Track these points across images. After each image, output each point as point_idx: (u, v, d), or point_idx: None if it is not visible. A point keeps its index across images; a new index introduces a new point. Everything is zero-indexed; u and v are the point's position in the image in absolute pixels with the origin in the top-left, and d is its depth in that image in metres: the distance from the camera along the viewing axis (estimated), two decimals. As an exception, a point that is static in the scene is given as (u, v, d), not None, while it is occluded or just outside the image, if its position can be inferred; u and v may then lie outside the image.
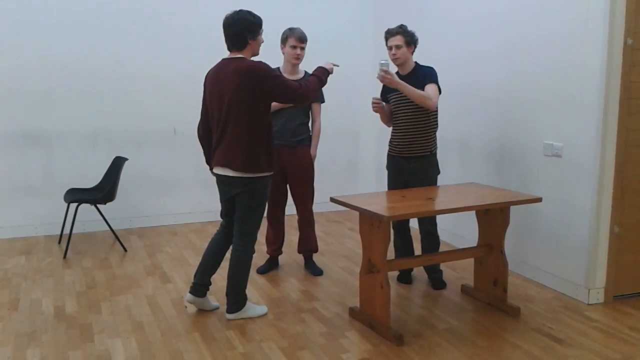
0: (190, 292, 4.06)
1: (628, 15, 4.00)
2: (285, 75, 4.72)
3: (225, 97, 3.70)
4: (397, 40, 4.34)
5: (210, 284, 4.09)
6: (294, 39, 4.60)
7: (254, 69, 3.66)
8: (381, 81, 4.14)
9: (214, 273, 4.08)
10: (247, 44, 3.74)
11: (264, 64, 3.71)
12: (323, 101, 4.89)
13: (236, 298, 3.96)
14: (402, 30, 4.36)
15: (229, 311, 3.97)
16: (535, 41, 4.58)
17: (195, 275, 4.07)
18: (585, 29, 4.13)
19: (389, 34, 4.39)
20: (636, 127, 4.18)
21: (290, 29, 4.65)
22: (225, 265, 4.02)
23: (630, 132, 4.16)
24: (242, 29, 3.71)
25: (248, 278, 3.99)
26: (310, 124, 4.88)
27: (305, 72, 4.81)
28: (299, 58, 4.65)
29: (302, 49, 4.64)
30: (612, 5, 3.97)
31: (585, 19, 4.13)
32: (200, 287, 4.04)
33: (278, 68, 4.76)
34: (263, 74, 3.66)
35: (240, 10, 3.74)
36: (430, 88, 4.28)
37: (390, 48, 4.37)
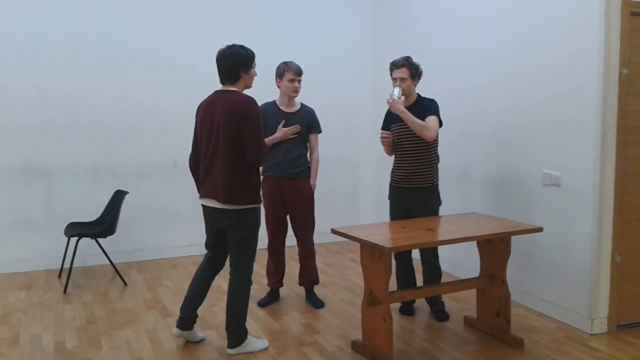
0: (177, 326, 4.06)
1: (622, 46, 4.06)
2: (283, 108, 4.78)
3: (215, 128, 3.75)
4: (402, 72, 4.38)
5: (196, 316, 4.08)
6: (292, 72, 4.68)
7: (245, 105, 3.70)
8: (389, 108, 4.30)
9: (199, 305, 4.07)
10: (240, 78, 3.81)
11: (255, 103, 3.75)
12: (320, 131, 4.91)
13: (236, 332, 3.93)
14: (407, 62, 4.40)
15: (229, 346, 3.94)
16: (533, 72, 4.63)
17: (181, 309, 4.06)
18: (582, 60, 4.18)
19: (395, 65, 4.43)
20: (634, 156, 4.21)
21: (286, 63, 4.73)
22: (210, 294, 4.01)
23: (628, 161, 4.19)
24: (234, 63, 3.76)
25: (247, 311, 3.97)
26: (308, 155, 4.91)
27: (302, 103, 4.86)
28: (296, 91, 4.72)
29: (299, 81, 4.72)
30: (607, 36, 4.02)
31: (581, 49, 4.18)
32: (186, 320, 4.04)
33: (274, 101, 4.82)
34: (251, 113, 3.69)
35: (233, 45, 3.81)
36: (430, 119, 4.32)
37: (394, 79, 4.41)
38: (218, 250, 4.02)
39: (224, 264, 4.10)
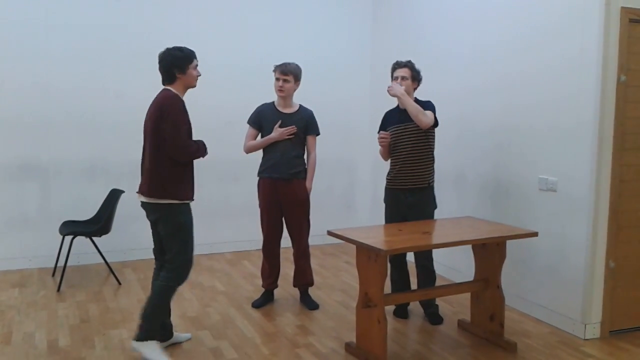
0: None
1: (621, 52, 4.08)
2: (280, 108, 4.79)
3: (146, 125, 3.86)
4: (404, 72, 4.48)
5: (170, 325, 4.06)
6: (277, 71, 4.75)
7: (165, 100, 3.76)
8: (388, 91, 4.38)
9: (168, 314, 4.04)
10: (176, 78, 3.84)
11: (176, 99, 3.77)
12: (318, 133, 4.91)
13: (146, 325, 3.78)
14: (410, 64, 4.53)
15: (135, 337, 3.79)
16: (531, 76, 4.64)
17: None
18: (580, 65, 4.20)
19: (398, 65, 4.54)
20: (630, 162, 4.22)
21: (278, 64, 4.75)
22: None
23: (624, 167, 4.20)
24: (170, 65, 3.82)
25: (164, 312, 3.87)
26: (305, 157, 4.90)
27: (300, 105, 4.86)
28: (281, 90, 4.73)
29: (285, 81, 4.72)
30: (606, 43, 4.04)
31: (579, 55, 4.20)
32: (161, 331, 4.00)
33: (272, 102, 4.84)
34: (169, 109, 3.73)
35: (172, 47, 3.86)
36: (427, 111, 4.37)
37: (395, 78, 4.49)
38: (163, 254, 3.95)
39: None
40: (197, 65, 3.92)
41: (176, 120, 3.74)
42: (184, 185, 3.84)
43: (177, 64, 3.82)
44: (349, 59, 7.15)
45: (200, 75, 3.97)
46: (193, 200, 3.91)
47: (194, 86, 3.95)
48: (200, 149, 3.90)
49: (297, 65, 4.78)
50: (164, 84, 3.90)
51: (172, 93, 3.81)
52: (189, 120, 3.85)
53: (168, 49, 3.86)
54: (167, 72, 3.84)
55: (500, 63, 4.98)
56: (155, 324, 3.84)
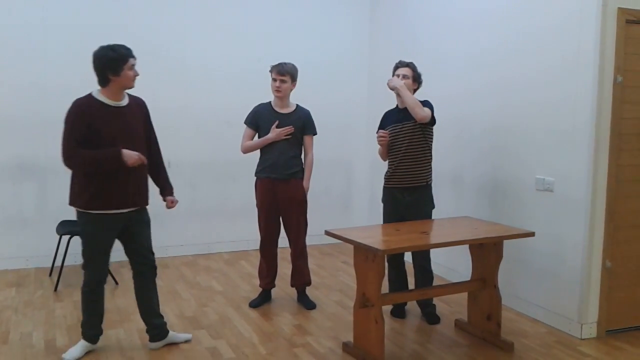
0: (149, 340, 4.05)
1: (617, 53, 4.09)
2: (277, 108, 4.79)
3: None
4: (406, 71, 4.54)
5: (162, 323, 4.06)
6: (274, 72, 4.75)
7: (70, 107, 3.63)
8: (388, 84, 4.47)
9: (156, 310, 4.05)
10: (110, 80, 3.62)
11: (72, 105, 3.61)
12: (315, 133, 4.92)
13: (82, 321, 3.90)
14: (412, 65, 4.60)
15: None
16: (528, 78, 4.65)
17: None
18: (577, 67, 4.21)
19: (400, 64, 4.60)
20: (627, 162, 4.24)
21: (274, 64, 4.75)
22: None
23: (620, 167, 4.22)
24: (101, 66, 3.58)
25: (88, 315, 3.87)
26: (303, 157, 4.91)
27: (297, 105, 4.87)
28: (278, 90, 4.73)
29: (282, 81, 4.71)
30: (602, 44, 4.05)
31: (576, 56, 4.21)
32: (151, 332, 4.03)
33: (269, 102, 4.84)
34: (66, 115, 3.61)
35: (105, 46, 3.61)
36: (425, 108, 4.41)
37: (397, 76, 4.54)
38: (126, 252, 3.97)
39: (142, 264, 3.98)
40: (133, 64, 3.67)
41: (67, 127, 3.58)
42: (92, 194, 3.66)
43: (109, 66, 3.56)
44: (347, 60, 7.15)
45: (138, 75, 3.72)
46: (107, 211, 3.72)
47: (132, 87, 3.74)
48: (100, 161, 3.61)
49: (293, 65, 4.78)
50: (99, 85, 3.67)
51: (79, 100, 3.63)
52: (98, 128, 3.59)
53: (101, 48, 3.59)
54: (100, 74, 3.59)
55: (497, 64, 5.00)
56: (86, 325, 3.88)
